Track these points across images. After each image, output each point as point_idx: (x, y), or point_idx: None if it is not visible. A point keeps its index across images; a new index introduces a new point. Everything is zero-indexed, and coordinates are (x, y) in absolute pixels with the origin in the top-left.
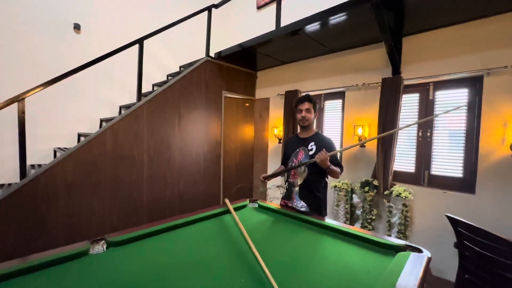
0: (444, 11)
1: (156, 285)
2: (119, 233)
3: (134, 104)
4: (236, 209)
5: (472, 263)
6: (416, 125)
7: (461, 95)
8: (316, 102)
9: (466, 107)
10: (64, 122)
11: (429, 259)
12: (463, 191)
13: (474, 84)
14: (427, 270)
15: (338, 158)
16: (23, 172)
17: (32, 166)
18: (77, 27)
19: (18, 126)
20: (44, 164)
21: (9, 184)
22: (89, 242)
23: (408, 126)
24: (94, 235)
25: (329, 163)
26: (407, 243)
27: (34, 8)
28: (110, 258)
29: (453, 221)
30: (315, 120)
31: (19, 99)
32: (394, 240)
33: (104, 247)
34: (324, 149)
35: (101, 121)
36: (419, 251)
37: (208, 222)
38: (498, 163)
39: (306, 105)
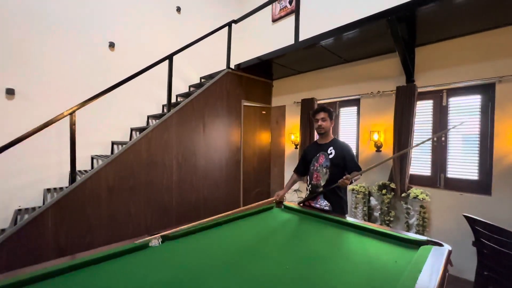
0: (454, 23)
1: (212, 275)
2: (173, 229)
3: (162, 114)
4: (265, 209)
5: (490, 259)
6: (430, 130)
7: (474, 101)
8: (331, 111)
9: (479, 115)
10: (99, 131)
11: (449, 252)
12: (479, 192)
13: (487, 90)
14: (448, 260)
15: (356, 161)
16: (73, 178)
17: (86, 171)
18: (111, 45)
19: (70, 136)
20: (86, 170)
21: (60, 188)
22: (149, 236)
23: (423, 142)
24: (131, 235)
25: (349, 182)
26: (429, 238)
27: (71, 28)
28: (166, 251)
29: (470, 220)
30: (331, 127)
31: (70, 112)
32: (415, 235)
33: (160, 241)
34: (347, 177)
35: (131, 130)
36: (440, 245)
37: (248, 220)
38: None
39: (321, 115)
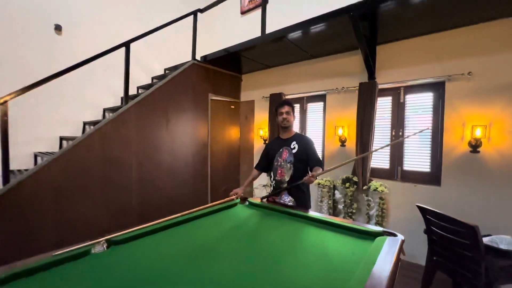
0: (409, 24)
1: (160, 279)
2: (119, 232)
3: (119, 106)
4: (228, 207)
5: (438, 245)
6: (389, 124)
7: (427, 98)
8: (294, 106)
9: (431, 111)
10: (45, 125)
11: (402, 241)
12: (431, 183)
13: (438, 88)
14: (401, 249)
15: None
16: (6, 177)
17: (11, 171)
18: (58, 28)
19: (1, 130)
20: (25, 170)
21: None
22: (91, 242)
23: (383, 147)
24: (84, 238)
25: (315, 179)
26: (384, 229)
27: (12, 8)
28: (111, 256)
29: (422, 209)
30: (293, 122)
31: (1, 102)
32: (372, 227)
33: (105, 246)
34: (313, 174)
35: (85, 124)
36: (394, 235)
37: (209, 218)
38: (459, 158)
39: (286, 108)
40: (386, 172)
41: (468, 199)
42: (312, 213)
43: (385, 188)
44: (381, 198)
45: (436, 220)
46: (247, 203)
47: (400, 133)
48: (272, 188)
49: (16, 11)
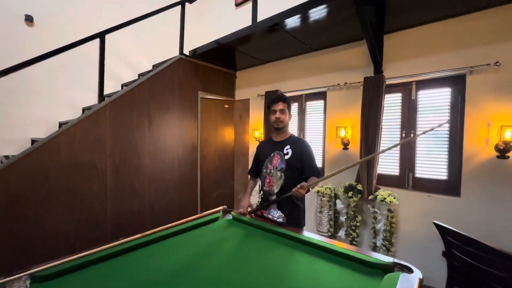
0: (426, 6)
1: None
2: (47, 264)
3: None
4: (207, 222)
5: (462, 274)
6: (399, 125)
7: (444, 94)
8: (290, 102)
9: (448, 110)
10: (16, 126)
11: (421, 281)
12: (448, 194)
13: (457, 83)
14: None
15: (317, 164)
16: None
17: None
18: (29, 19)
19: None
20: None
21: None
22: (4, 279)
23: (391, 148)
24: (44, 257)
25: (305, 191)
26: (395, 260)
27: None
28: None
29: (441, 229)
30: (289, 122)
31: None
32: (381, 257)
33: (28, 283)
34: (302, 185)
35: (60, 125)
36: (409, 270)
37: (181, 237)
38: (483, 164)
39: (280, 106)
40: (395, 179)
41: (494, 214)
42: (306, 234)
43: (394, 199)
44: (389, 210)
45: (460, 244)
46: (230, 216)
47: (411, 135)
48: (259, 200)
49: None
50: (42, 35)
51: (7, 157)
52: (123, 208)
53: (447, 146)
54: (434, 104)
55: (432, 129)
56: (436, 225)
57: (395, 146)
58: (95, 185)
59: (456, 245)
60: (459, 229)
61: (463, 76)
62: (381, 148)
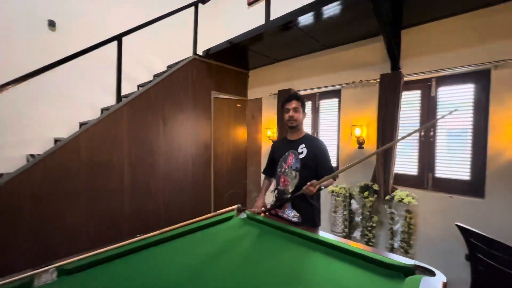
0: (444, 0)
1: None
2: (73, 258)
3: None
4: (222, 220)
5: (487, 279)
6: (417, 123)
7: (467, 90)
8: (304, 100)
9: (471, 107)
10: (40, 126)
11: (445, 285)
12: (471, 195)
13: (481, 78)
14: None
15: (331, 163)
16: None
17: (0, 175)
18: (52, 24)
19: None
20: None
21: None
22: (33, 271)
23: (409, 135)
24: (66, 253)
25: (315, 189)
26: (417, 262)
27: (2, 4)
28: None
29: (464, 231)
30: (303, 120)
31: None
32: (401, 259)
33: (54, 275)
34: (313, 182)
35: (81, 125)
36: (432, 273)
37: (196, 236)
38: (510, 164)
39: (293, 104)
40: (414, 179)
41: None
42: (322, 234)
43: (413, 199)
44: (407, 211)
45: (485, 247)
46: (244, 215)
47: (431, 133)
48: (274, 199)
49: (7, 6)
50: (64, 39)
51: (32, 155)
52: (139, 207)
53: (470, 144)
54: (456, 101)
55: (450, 113)
56: (458, 227)
57: (416, 131)
58: (113, 183)
59: (481, 249)
60: (483, 232)
61: (488, 71)
62: (398, 148)
